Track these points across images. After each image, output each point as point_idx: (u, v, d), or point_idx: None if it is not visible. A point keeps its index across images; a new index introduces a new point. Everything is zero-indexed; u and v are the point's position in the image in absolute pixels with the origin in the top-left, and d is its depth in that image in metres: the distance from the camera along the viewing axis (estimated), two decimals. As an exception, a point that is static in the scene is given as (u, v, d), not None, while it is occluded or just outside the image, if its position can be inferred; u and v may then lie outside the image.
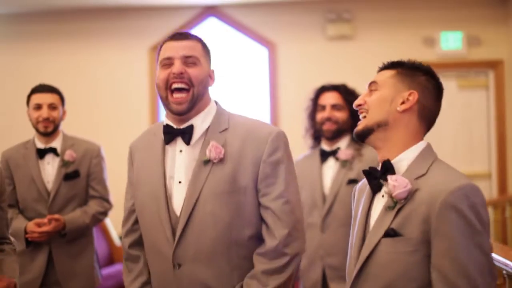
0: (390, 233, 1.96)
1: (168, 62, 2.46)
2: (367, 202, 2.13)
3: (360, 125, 2.12)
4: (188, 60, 2.45)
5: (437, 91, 2.15)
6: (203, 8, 7.71)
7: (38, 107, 4.02)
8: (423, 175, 1.98)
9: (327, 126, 3.87)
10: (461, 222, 1.84)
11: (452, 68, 7.73)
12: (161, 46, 2.53)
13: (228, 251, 2.41)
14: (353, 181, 3.74)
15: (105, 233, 6.81)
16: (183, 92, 2.43)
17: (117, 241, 6.82)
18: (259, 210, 2.44)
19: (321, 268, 3.85)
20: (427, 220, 1.89)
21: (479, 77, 7.81)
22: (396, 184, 1.96)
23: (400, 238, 1.94)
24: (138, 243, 2.62)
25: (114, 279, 6.34)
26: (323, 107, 3.93)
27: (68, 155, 4.04)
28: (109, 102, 7.77)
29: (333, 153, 3.92)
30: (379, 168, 2.08)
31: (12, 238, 3.22)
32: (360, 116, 2.14)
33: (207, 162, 2.42)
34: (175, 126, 2.50)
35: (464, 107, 7.78)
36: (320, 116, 3.93)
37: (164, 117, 2.59)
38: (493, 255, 3.23)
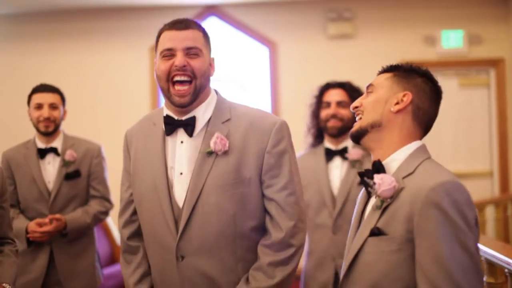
0: (375, 232, 1.95)
1: (169, 53, 2.41)
2: (362, 203, 2.13)
3: (355, 127, 2.13)
4: (191, 52, 2.41)
5: (434, 93, 2.13)
6: (204, 7, 7.71)
7: (39, 106, 4.02)
8: (410, 173, 1.97)
9: (332, 123, 3.82)
10: (443, 219, 1.81)
11: (453, 67, 7.73)
12: (160, 34, 2.47)
13: (232, 243, 2.40)
14: None
15: (107, 232, 6.81)
16: (185, 84, 2.40)
17: (118, 240, 6.81)
18: (263, 202, 2.44)
19: (332, 270, 3.78)
20: (410, 218, 1.87)
21: (480, 75, 7.81)
22: (380, 182, 1.95)
23: (385, 237, 1.93)
24: (137, 234, 2.60)
25: (116, 278, 6.33)
26: (328, 104, 3.87)
27: (69, 155, 4.04)
28: (110, 101, 7.77)
29: (340, 152, 3.87)
30: None
31: (14, 239, 3.22)
32: (356, 118, 2.14)
33: (210, 153, 2.40)
34: (176, 117, 2.47)
35: (465, 106, 7.77)
36: (325, 113, 3.88)
37: (164, 106, 2.56)
38: (495, 253, 3.24)
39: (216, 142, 2.39)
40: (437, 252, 1.81)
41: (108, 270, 6.25)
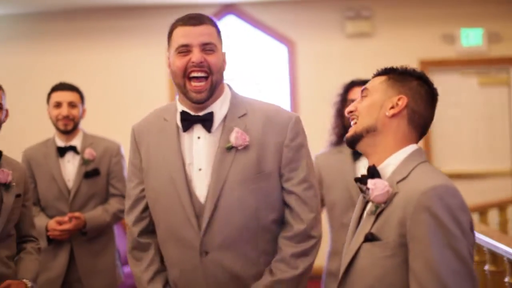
0: (369, 238, 1.93)
1: (185, 50, 2.40)
2: (360, 208, 2.11)
3: (350, 132, 2.09)
4: (207, 48, 2.41)
5: (430, 96, 2.10)
6: (222, 6, 7.71)
7: (58, 105, 4.04)
8: (404, 178, 1.94)
9: None
10: (434, 224, 1.78)
11: (473, 65, 7.67)
12: (172, 29, 2.46)
13: (254, 237, 2.43)
14: None
15: (127, 231, 6.82)
16: (202, 80, 2.39)
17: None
18: (282, 195, 2.46)
19: None
20: (403, 222, 1.84)
21: (500, 74, 7.74)
22: (373, 187, 1.93)
23: (378, 243, 1.91)
24: (148, 231, 2.58)
25: (135, 277, 6.35)
26: (354, 102, 3.83)
27: (88, 153, 4.06)
28: (128, 100, 7.79)
29: None
30: None
31: (37, 236, 3.25)
32: (352, 123, 2.11)
33: (230, 148, 2.41)
34: (192, 113, 2.46)
35: (485, 104, 7.72)
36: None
37: (177, 103, 2.54)
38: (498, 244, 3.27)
39: (237, 137, 2.39)
40: (428, 257, 1.78)
41: (128, 269, 6.26)
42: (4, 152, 3.05)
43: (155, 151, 2.50)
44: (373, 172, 2.00)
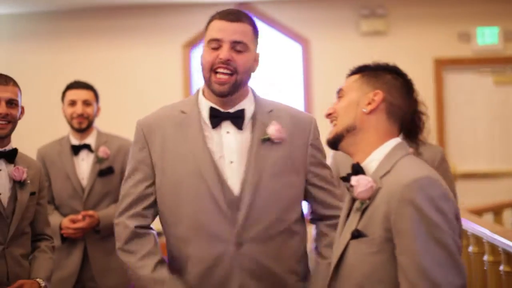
0: (355, 234, 1.93)
1: (216, 45, 2.38)
2: (347, 207, 2.09)
3: (331, 134, 2.09)
4: (237, 47, 2.39)
5: (406, 88, 2.09)
6: (236, 4, 7.70)
7: (73, 103, 4.05)
8: (387, 172, 1.93)
9: None
10: (417, 216, 1.78)
11: (488, 64, 7.63)
12: (210, 21, 2.45)
13: (285, 231, 2.44)
14: None
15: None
16: (227, 74, 2.38)
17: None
18: (302, 193, 2.52)
19: None
20: (388, 217, 1.84)
21: (516, 72, 7.70)
22: (356, 184, 1.93)
23: (365, 239, 1.90)
24: (147, 228, 2.50)
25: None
26: None
27: (102, 151, 4.07)
28: (143, 98, 7.81)
29: None
30: None
31: (51, 235, 3.26)
32: (331, 125, 2.11)
33: (266, 140, 2.42)
34: (222, 110, 2.44)
35: (501, 104, 7.67)
36: None
37: (200, 97, 2.51)
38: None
39: (277, 129, 2.42)
40: (412, 250, 1.78)
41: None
42: (19, 150, 3.07)
43: (174, 144, 2.44)
44: (357, 169, 2.00)
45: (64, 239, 3.93)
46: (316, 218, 2.58)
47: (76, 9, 7.83)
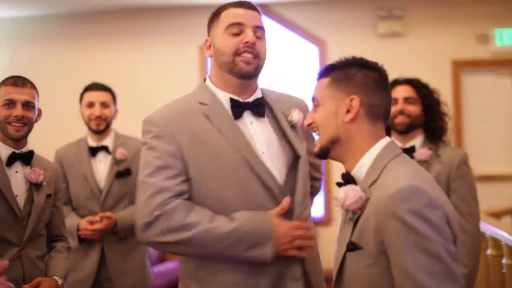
0: (350, 247, 1.89)
1: (237, 30, 2.36)
2: (344, 213, 2.01)
3: (316, 147, 2.03)
4: (258, 32, 2.40)
5: (379, 82, 2.00)
6: (253, 6, 7.71)
7: (91, 105, 4.07)
8: (375, 181, 1.88)
9: (400, 120, 3.69)
10: (402, 229, 1.73)
11: (507, 65, 7.57)
12: (221, 11, 2.42)
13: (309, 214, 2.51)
14: None
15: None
16: (251, 57, 2.36)
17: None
18: None
19: None
20: (378, 230, 1.79)
21: (535, 74, 7.64)
22: (345, 196, 1.88)
23: (360, 252, 1.86)
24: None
25: (166, 277, 6.39)
26: (395, 100, 3.75)
27: (120, 153, 4.08)
28: (160, 100, 7.79)
29: (407, 150, 3.77)
30: None
31: (67, 236, 3.28)
32: (315, 136, 2.05)
33: (293, 126, 2.46)
34: (241, 100, 2.41)
35: (520, 106, 7.62)
36: (392, 109, 3.74)
37: (212, 88, 2.46)
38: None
39: (299, 114, 2.45)
40: (402, 263, 1.73)
41: (158, 269, 6.31)
42: (37, 152, 3.08)
43: (207, 136, 2.33)
44: (348, 178, 1.95)
45: (81, 240, 3.95)
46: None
47: (94, 11, 7.87)
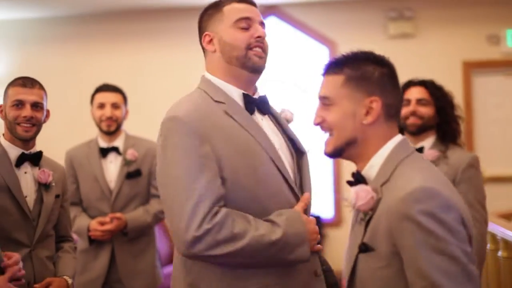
0: (362, 249, 1.86)
1: (246, 24, 2.34)
2: (356, 213, 1.98)
3: (329, 147, 1.97)
4: (263, 28, 2.39)
5: (392, 80, 1.94)
6: (264, 7, 7.71)
7: (102, 106, 4.09)
8: (387, 180, 1.85)
9: (412, 121, 3.68)
10: (416, 230, 1.70)
11: (518, 67, 7.55)
12: (223, 5, 2.40)
13: None
14: None
15: (167, 232, 6.86)
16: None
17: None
18: None
19: None
20: (390, 232, 1.77)
21: (546, 75, 7.61)
22: (356, 196, 1.86)
23: (372, 253, 1.83)
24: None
25: (175, 277, 6.37)
26: (408, 101, 3.74)
27: (130, 154, 4.09)
28: (171, 101, 7.81)
29: (417, 151, 3.76)
30: None
31: (74, 236, 3.30)
32: (326, 135, 1.99)
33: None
34: (252, 96, 2.40)
35: (531, 107, 7.58)
36: (404, 110, 3.74)
37: (220, 84, 2.40)
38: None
39: (291, 112, 2.50)
40: (417, 265, 1.71)
41: (168, 270, 6.30)
42: (48, 153, 3.10)
43: (233, 134, 2.25)
44: (358, 178, 1.93)
45: (91, 241, 3.96)
46: None
47: (103, 12, 7.89)
